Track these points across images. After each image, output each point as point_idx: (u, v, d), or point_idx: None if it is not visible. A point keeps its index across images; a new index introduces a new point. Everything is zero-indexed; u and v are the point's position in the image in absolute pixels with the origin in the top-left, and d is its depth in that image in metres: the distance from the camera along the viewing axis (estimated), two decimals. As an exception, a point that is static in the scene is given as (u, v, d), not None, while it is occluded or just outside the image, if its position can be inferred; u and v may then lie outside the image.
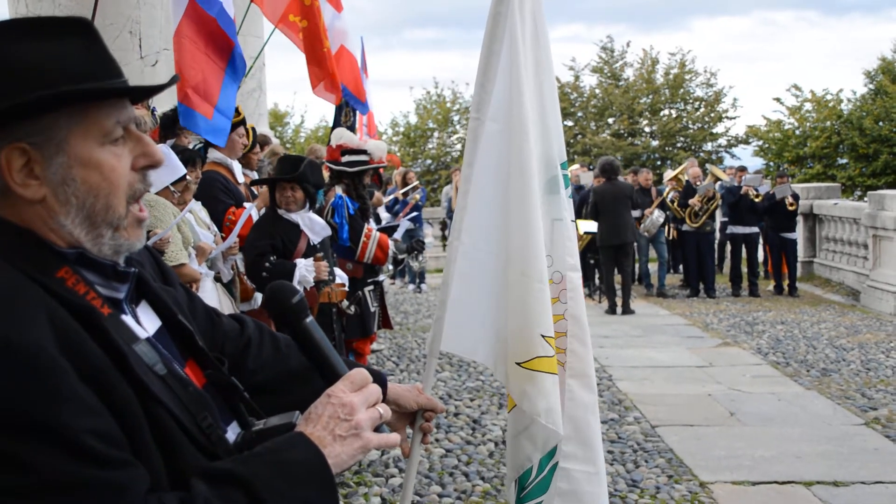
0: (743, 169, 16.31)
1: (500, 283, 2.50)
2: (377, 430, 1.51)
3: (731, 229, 14.87)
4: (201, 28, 5.54)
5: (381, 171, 10.42)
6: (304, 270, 5.57)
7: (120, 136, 1.41)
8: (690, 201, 14.31)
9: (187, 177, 5.20)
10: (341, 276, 6.16)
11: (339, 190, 6.77)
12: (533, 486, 2.53)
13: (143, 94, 1.50)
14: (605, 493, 2.56)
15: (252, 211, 5.88)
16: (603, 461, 2.56)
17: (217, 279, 5.53)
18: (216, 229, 5.66)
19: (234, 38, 5.68)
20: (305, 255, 5.71)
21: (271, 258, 5.56)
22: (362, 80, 9.77)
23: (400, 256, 7.60)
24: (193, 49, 5.46)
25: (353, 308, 6.33)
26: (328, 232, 5.94)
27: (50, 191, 1.35)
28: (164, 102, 6.56)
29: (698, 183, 14.60)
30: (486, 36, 2.52)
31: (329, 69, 7.47)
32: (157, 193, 4.90)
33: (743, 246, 14.71)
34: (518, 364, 2.42)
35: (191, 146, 6.03)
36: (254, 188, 6.79)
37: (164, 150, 5.02)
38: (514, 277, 2.45)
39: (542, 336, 2.42)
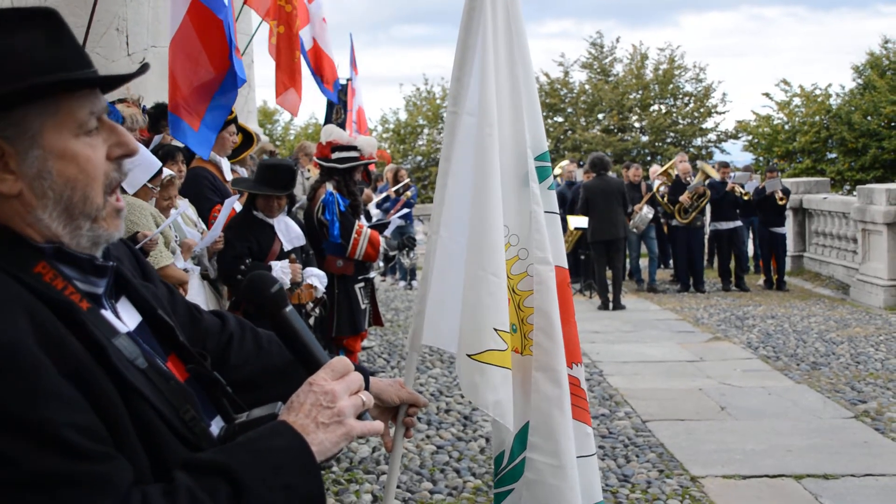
0: (726, 165, 16.34)
1: (466, 275, 2.52)
2: (360, 417, 1.50)
3: (715, 226, 14.87)
4: (201, 32, 5.46)
5: (371, 167, 10.40)
6: (281, 272, 5.57)
7: (94, 126, 1.40)
8: (681, 198, 14.34)
9: (170, 171, 5.16)
10: (320, 278, 6.12)
11: (329, 186, 6.74)
12: (505, 472, 2.58)
13: (114, 82, 1.48)
14: (573, 487, 2.54)
15: (235, 204, 5.83)
16: (571, 456, 2.56)
17: (204, 276, 5.50)
18: (203, 226, 5.63)
19: (232, 46, 5.60)
20: (279, 258, 5.74)
21: (247, 261, 5.56)
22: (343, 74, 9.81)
23: (391, 253, 7.60)
24: (184, 59, 5.44)
25: (318, 310, 6.25)
26: (301, 242, 5.96)
27: (26, 185, 1.33)
28: (150, 99, 6.53)
29: (688, 179, 14.62)
30: (461, 30, 2.56)
31: (297, 80, 7.49)
32: (135, 193, 4.80)
33: (729, 241, 14.73)
34: (469, 356, 2.43)
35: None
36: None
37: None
38: (472, 270, 2.47)
39: (496, 330, 2.43)
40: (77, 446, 1.19)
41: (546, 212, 2.65)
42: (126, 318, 1.49)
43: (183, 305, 1.81)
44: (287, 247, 5.81)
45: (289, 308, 1.61)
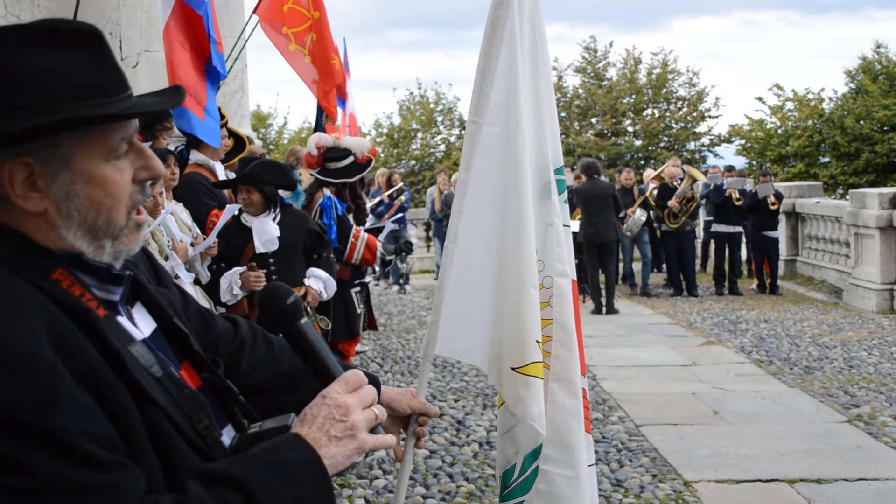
0: (731, 169, 16.35)
1: (496, 286, 2.50)
2: (373, 431, 1.51)
3: (716, 228, 14.93)
4: (187, 27, 5.49)
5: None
6: (231, 279, 5.41)
7: (124, 150, 1.41)
8: (669, 203, 14.37)
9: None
10: (326, 282, 5.75)
11: (326, 191, 6.71)
12: (515, 485, 2.56)
13: (148, 114, 1.49)
14: (586, 497, 2.56)
15: (236, 212, 5.82)
16: (585, 466, 2.57)
17: (196, 282, 5.49)
18: (197, 231, 5.62)
19: (212, 40, 5.62)
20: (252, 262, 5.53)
21: (214, 266, 5.49)
22: (345, 81, 9.76)
23: (388, 258, 7.58)
24: (181, 50, 5.45)
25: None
26: (274, 246, 5.53)
27: (52, 204, 1.34)
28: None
29: (675, 183, 14.65)
30: (484, 39, 2.52)
31: (338, 81, 7.46)
32: None
33: (726, 245, 14.78)
34: (514, 369, 2.43)
35: (172, 148, 6.00)
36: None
37: None
38: (510, 283, 2.45)
39: (536, 341, 2.44)
40: (90, 455, 1.20)
41: (563, 225, 2.65)
42: (141, 324, 1.50)
43: (196, 310, 1.82)
44: (259, 248, 5.52)
45: (304, 320, 1.62)
